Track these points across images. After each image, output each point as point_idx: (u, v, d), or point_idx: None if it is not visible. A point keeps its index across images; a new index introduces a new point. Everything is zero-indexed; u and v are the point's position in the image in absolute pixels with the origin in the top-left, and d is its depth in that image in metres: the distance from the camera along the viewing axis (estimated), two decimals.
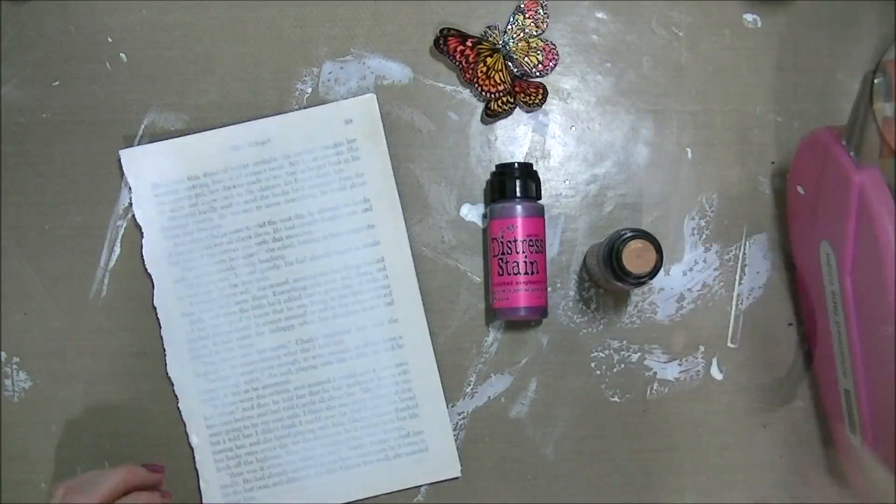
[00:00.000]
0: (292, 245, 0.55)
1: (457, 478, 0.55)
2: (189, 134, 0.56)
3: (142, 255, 0.55)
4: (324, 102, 0.56)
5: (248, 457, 0.55)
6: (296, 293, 0.55)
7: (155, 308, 0.55)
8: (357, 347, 0.55)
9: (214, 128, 0.56)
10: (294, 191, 0.55)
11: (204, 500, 0.55)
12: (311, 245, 0.55)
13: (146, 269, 0.55)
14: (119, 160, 0.56)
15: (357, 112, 0.55)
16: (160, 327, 0.55)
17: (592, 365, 0.56)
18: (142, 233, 0.55)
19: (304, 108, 0.56)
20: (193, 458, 0.55)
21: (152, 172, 0.55)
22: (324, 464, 0.55)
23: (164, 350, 0.55)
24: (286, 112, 0.56)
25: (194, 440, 0.55)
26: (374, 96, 0.56)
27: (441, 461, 0.55)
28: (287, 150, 0.55)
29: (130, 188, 0.55)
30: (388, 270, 0.55)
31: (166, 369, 0.55)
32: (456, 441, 0.56)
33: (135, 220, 0.56)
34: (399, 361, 0.55)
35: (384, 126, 0.56)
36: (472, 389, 0.56)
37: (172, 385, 0.55)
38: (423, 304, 0.55)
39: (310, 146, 0.55)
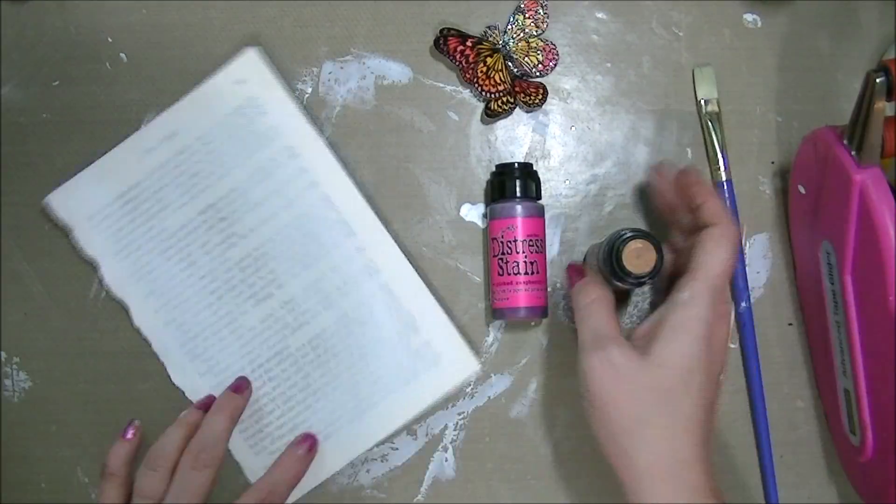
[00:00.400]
0: (239, 219, 0.55)
1: (477, 371, 0.55)
2: (100, 156, 0.55)
3: (106, 287, 0.55)
4: (324, 102, 0.57)
5: (278, 431, 0.55)
6: (261, 262, 0.55)
7: (138, 329, 0.55)
8: (337, 288, 0.55)
9: (121, 140, 0.56)
10: (219, 167, 0.55)
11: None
12: (256, 211, 0.55)
13: (115, 299, 0.55)
14: (49, 206, 0.55)
15: (245, 70, 0.55)
16: (150, 345, 0.55)
17: None
18: (96, 266, 0.55)
19: (198, 85, 0.55)
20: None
21: (82, 205, 0.55)
22: (350, 410, 0.55)
23: (163, 364, 0.55)
24: (181, 99, 0.55)
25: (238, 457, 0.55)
26: (256, 48, 0.55)
27: (457, 363, 0.55)
28: (196, 133, 0.55)
29: (70, 228, 0.55)
30: (336, 205, 0.55)
31: (171, 380, 0.55)
32: (455, 441, 0.56)
33: (84, 256, 0.55)
34: (380, 284, 0.55)
35: (385, 125, 0.56)
36: (472, 389, 0.56)
37: (183, 392, 0.55)
38: (385, 224, 0.56)
39: (215, 120, 0.55)
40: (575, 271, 0.52)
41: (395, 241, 0.55)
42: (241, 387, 0.54)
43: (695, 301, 0.44)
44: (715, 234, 0.46)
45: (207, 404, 0.54)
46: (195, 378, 0.55)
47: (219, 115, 0.55)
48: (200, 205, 0.55)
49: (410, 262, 0.55)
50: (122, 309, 0.56)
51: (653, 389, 0.43)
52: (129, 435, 0.53)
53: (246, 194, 0.55)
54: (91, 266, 0.55)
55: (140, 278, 0.55)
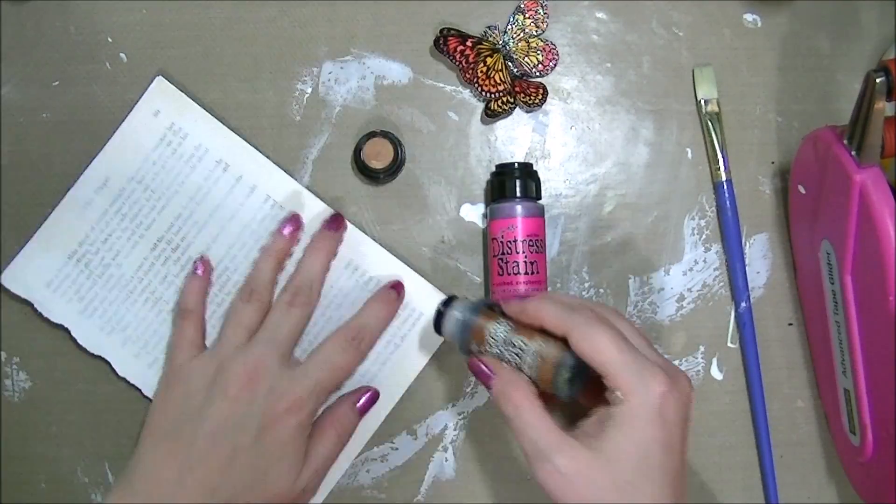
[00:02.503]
0: (190, 243, 0.55)
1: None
2: (44, 221, 0.55)
3: (83, 349, 0.55)
4: (324, 102, 0.57)
5: None
6: (224, 277, 0.55)
7: (125, 378, 0.55)
8: (342, 287, 0.55)
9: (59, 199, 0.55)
10: (158, 201, 0.55)
11: None
12: (205, 231, 0.55)
13: (93, 356, 0.55)
14: (4, 287, 0.55)
15: (157, 101, 0.56)
16: (140, 391, 0.55)
17: None
18: (67, 331, 0.55)
19: (118, 126, 0.55)
20: None
21: (37, 275, 0.55)
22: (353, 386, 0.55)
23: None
24: (103, 146, 0.55)
25: None
26: (160, 77, 0.56)
27: (420, 296, 0.55)
28: (127, 174, 0.55)
29: (32, 304, 0.55)
30: (279, 201, 0.55)
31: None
32: (455, 441, 0.56)
33: (52, 322, 0.55)
34: (346, 263, 0.55)
35: (385, 125, 0.56)
36: (471, 389, 0.56)
37: None
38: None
39: (142, 157, 0.55)
40: (479, 371, 0.45)
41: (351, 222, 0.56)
42: (337, 223, 0.54)
43: (629, 394, 0.40)
44: (579, 341, 0.41)
45: (293, 229, 0.54)
46: None
47: (144, 151, 0.55)
48: (150, 241, 0.55)
49: (366, 234, 0.56)
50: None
51: (612, 486, 0.40)
52: (200, 271, 0.54)
53: (191, 218, 0.55)
54: (63, 330, 0.55)
55: (111, 330, 0.55)
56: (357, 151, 0.55)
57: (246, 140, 0.56)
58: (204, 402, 0.49)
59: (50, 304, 0.55)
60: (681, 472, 0.42)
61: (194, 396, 0.49)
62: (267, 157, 0.56)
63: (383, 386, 0.54)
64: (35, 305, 0.55)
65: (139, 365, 0.55)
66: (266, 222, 0.55)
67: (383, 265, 0.55)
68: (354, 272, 0.55)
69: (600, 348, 0.41)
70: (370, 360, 0.55)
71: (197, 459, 0.47)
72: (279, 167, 0.56)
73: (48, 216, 0.55)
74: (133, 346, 0.55)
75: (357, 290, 0.55)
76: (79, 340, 0.55)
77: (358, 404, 0.53)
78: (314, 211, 0.55)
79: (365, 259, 0.55)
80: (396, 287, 0.54)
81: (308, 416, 0.49)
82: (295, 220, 0.54)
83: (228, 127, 0.56)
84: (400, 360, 0.55)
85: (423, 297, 0.55)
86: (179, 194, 0.55)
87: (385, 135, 0.55)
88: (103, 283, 0.55)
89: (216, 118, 0.56)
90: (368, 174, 0.55)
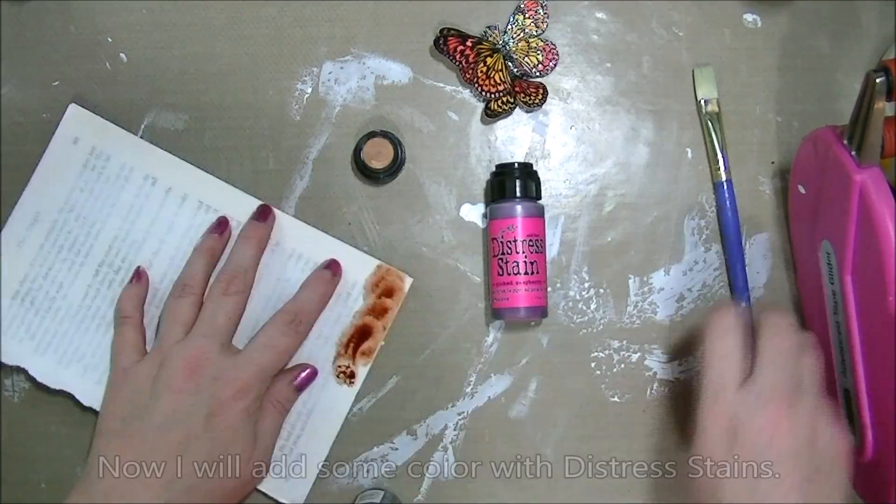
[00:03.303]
0: (132, 262, 0.55)
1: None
2: None
3: (46, 388, 0.55)
4: (324, 102, 0.56)
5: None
6: (168, 289, 0.55)
7: (91, 408, 0.55)
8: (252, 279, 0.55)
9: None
10: (93, 226, 0.55)
11: (272, 496, 0.55)
12: (145, 248, 0.55)
13: (56, 391, 0.55)
14: None
15: (74, 128, 0.55)
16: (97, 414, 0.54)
17: (592, 365, 0.56)
18: (30, 377, 0.55)
19: (38, 160, 0.55)
20: None
21: None
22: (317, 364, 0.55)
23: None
24: (27, 183, 0.55)
25: None
26: (74, 105, 0.55)
27: (355, 264, 0.56)
28: (57, 205, 0.55)
29: None
30: (213, 205, 0.56)
31: None
32: (455, 441, 0.56)
33: (11, 366, 0.55)
34: (289, 254, 0.55)
35: (385, 125, 0.56)
36: (472, 389, 0.56)
37: None
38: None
39: (69, 185, 0.55)
40: None
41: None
42: (264, 214, 0.55)
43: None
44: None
45: (222, 228, 0.54)
46: None
47: (70, 180, 0.55)
48: (92, 268, 0.55)
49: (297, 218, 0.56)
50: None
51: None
52: (137, 278, 0.54)
53: (128, 238, 0.55)
54: (20, 372, 0.55)
55: (68, 363, 0.55)
56: (357, 151, 0.55)
57: (174, 154, 0.56)
58: (150, 398, 0.49)
59: (5, 348, 0.55)
60: None
61: (140, 395, 0.50)
62: (190, 162, 0.56)
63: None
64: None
65: (102, 391, 0.54)
66: (203, 228, 0.55)
67: (326, 249, 0.55)
68: (298, 260, 0.55)
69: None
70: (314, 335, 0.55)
71: (149, 453, 0.47)
72: (203, 170, 0.56)
73: None
74: (93, 374, 0.55)
75: (304, 278, 0.55)
76: (38, 379, 0.55)
77: (295, 382, 0.54)
78: (249, 208, 0.55)
79: (308, 247, 0.55)
80: (332, 266, 0.55)
81: (254, 399, 0.50)
82: (223, 220, 0.55)
83: (167, 155, 0.56)
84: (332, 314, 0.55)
85: (358, 267, 0.55)
86: (113, 216, 0.55)
87: (385, 135, 0.55)
88: (52, 317, 0.55)
89: (137, 137, 0.56)
90: (368, 174, 0.55)
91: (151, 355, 0.52)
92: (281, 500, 0.54)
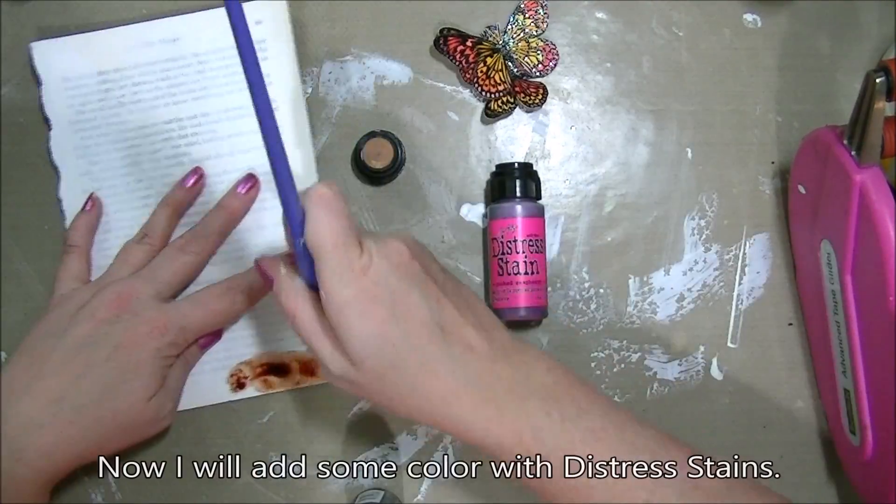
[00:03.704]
0: (198, 143, 0.55)
1: None
2: (101, 29, 0.56)
3: (48, 148, 0.55)
4: (324, 102, 0.56)
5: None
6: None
7: (60, 200, 0.55)
8: (256, 247, 0.55)
9: (126, 23, 0.56)
10: (201, 89, 0.55)
11: None
12: (216, 143, 0.55)
13: (52, 162, 0.55)
14: (30, 52, 0.55)
15: (266, 13, 0.55)
16: (64, 219, 0.55)
17: (592, 365, 0.56)
18: (49, 125, 0.55)
19: (215, 7, 0.55)
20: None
21: (63, 66, 0.55)
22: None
23: None
24: (195, 11, 0.55)
25: None
26: (285, 2, 0.55)
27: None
28: (196, 48, 0.55)
29: (40, 81, 0.55)
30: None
31: None
32: (455, 441, 0.56)
33: (43, 112, 0.55)
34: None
35: (385, 125, 0.56)
36: None
37: None
38: None
39: (219, 45, 0.55)
40: (262, 273, 0.45)
41: None
42: (248, 184, 0.54)
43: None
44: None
45: (195, 181, 0.54)
46: (93, 270, 0.54)
47: (224, 43, 0.55)
48: (169, 115, 0.55)
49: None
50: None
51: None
52: (89, 207, 0.54)
53: (215, 124, 0.55)
54: (46, 125, 0.55)
55: (83, 155, 0.55)
56: (357, 151, 0.55)
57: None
58: (70, 322, 0.49)
59: (53, 96, 0.55)
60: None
61: (64, 318, 0.50)
62: (310, 130, 0.55)
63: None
64: (41, 88, 0.55)
65: (80, 201, 0.54)
66: (264, 178, 0.55)
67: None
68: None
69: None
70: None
71: (49, 370, 0.47)
72: (312, 146, 0.55)
73: (110, 28, 0.55)
74: (88, 183, 0.55)
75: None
76: (52, 141, 0.55)
77: (200, 340, 0.53)
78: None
79: None
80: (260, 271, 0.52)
81: (168, 345, 0.49)
82: (197, 173, 0.54)
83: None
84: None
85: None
86: (221, 98, 0.55)
87: (385, 135, 0.55)
88: (105, 115, 0.55)
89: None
90: (368, 174, 0.55)
91: (89, 286, 0.52)
92: None
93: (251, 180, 0.55)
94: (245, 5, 0.54)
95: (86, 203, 0.54)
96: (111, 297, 0.49)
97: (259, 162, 0.55)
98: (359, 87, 0.57)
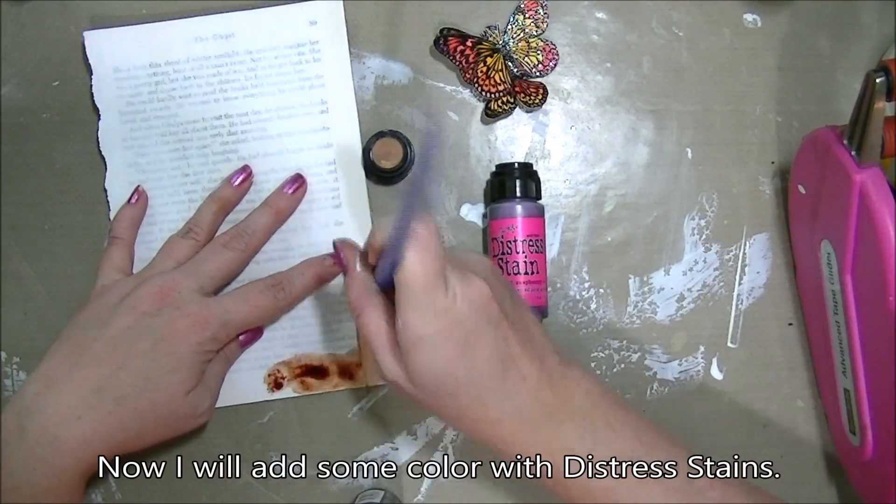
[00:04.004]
0: (246, 140, 0.55)
1: None
2: (154, 21, 0.56)
3: (97, 138, 0.55)
4: None
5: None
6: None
7: (105, 190, 0.55)
8: (300, 248, 0.55)
9: (180, 17, 0.56)
10: (253, 87, 0.55)
11: None
12: (265, 142, 0.55)
13: (100, 152, 0.55)
14: (83, 41, 0.55)
15: (322, 14, 0.56)
16: (108, 210, 0.55)
17: (592, 365, 0.56)
18: (99, 115, 0.55)
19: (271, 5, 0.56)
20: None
21: (115, 56, 0.55)
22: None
23: None
24: (253, 8, 0.56)
25: None
26: (341, 3, 0.56)
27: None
28: (250, 45, 0.55)
29: (91, 70, 0.55)
30: (338, 173, 0.55)
31: None
32: (455, 441, 0.56)
33: (93, 101, 0.55)
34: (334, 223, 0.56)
35: (385, 125, 0.56)
36: None
37: None
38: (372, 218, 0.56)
39: (273, 44, 0.55)
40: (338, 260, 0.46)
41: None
42: (296, 184, 0.55)
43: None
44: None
45: (242, 179, 0.54)
46: (136, 264, 0.55)
47: (279, 41, 0.55)
48: (219, 111, 0.55)
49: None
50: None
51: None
52: (134, 199, 0.54)
53: (265, 122, 0.55)
54: (96, 114, 0.56)
55: (130, 147, 0.55)
56: (366, 152, 0.55)
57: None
58: (111, 313, 0.49)
59: (104, 86, 0.55)
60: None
61: (107, 309, 0.50)
62: (359, 132, 0.56)
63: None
64: (92, 79, 0.55)
65: (126, 193, 0.55)
66: (313, 179, 0.55)
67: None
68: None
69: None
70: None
71: (90, 360, 0.47)
72: (361, 153, 0.55)
73: (164, 21, 0.55)
74: (135, 175, 0.55)
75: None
76: (101, 131, 0.55)
77: (241, 338, 0.54)
78: (357, 209, 0.55)
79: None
80: (334, 257, 0.52)
81: (210, 340, 0.50)
82: (245, 171, 0.55)
83: None
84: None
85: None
86: (272, 97, 0.55)
87: (394, 134, 0.55)
88: (156, 108, 0.55)
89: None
90: (379, 174, 0.55)
91: (132, 277, 0.52)
92: None
93: (298, 180, 0.55)
94: (300, 5, 0.55)
95: (132, 195, 0.54)
96: (154, 289, 0.49)
97: (307, 162, 0.55)
98: (359, 87, 0.57)
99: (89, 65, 0.56)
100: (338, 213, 0.55)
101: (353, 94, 0.56)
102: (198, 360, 0.49)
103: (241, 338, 0.54)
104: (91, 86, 0.56)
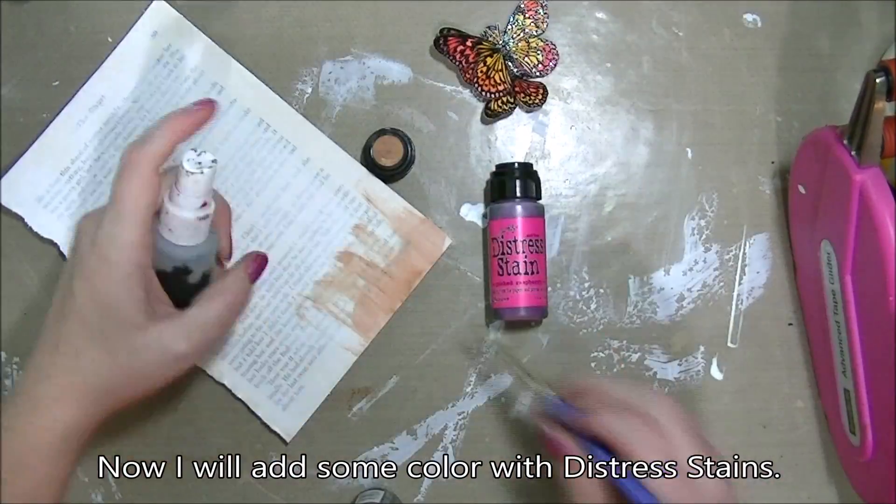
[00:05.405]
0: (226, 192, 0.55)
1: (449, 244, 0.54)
2: (39, 135, 0.55)
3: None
4: (324, 102, 0.56)
5: (272, 357, 0.55)
6: None
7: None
8: (293, 204, 0.55)
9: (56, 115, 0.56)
10: (152, 121, 0.56)
11: (266, 421, 0.55)
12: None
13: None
14: None
15: (155, 23, 0.56)
16: None
17: (592, 365, 0.56)
18: (55, 244, 0.55)
19: (114, 48, 0.56)
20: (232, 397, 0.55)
21: (29, 190, 0.55)
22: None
23: None
24: (99, 67, 0.56)
25: (225, 381, 0.55)
26: (162, 2, 0.56)
27: (428, 240, 0.56)
28: (123, 94, 0.56)
29: (23, 218, 0.55)
30: (272, 125, 0.56)
31: None
32: (455, 441, 0.56)
33: (41, 238, 0.55)
34: (336, 188, 0.56)
35: (385, 125, 0.56)
36: (472, 389, 0.56)
37: None
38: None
39: (139, 77, 0.56)
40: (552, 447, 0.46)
41: (340, 147, 0.56)
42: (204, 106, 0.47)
43: None
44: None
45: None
46: None
47: (141, 72, 0.56)
48: None
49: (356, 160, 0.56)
50: None
51: None
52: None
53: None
54: (52, 244, 0.55)
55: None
56: (367, 150, 0.55)
57: (246, 67, 0.56)
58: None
59: (40, 218, 0.55)
60: None
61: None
62: (260, 80, 0.56)
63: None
64: (25, 219, 0.55)
65: None
66: (258, 146, 0.55)
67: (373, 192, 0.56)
68: (345, 197, 0.55)
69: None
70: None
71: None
72: (278, 95, 0.56)
73: (41, 133, 0.55)
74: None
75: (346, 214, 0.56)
76: (67, 256, 0.55)
77: (249, 271, 0.49)
78: (310, 137, 0.55)
79: (350, 183, 0.56)
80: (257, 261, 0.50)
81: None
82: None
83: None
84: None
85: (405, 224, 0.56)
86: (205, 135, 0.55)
87: (395, 132, 0.55)
88: (93, 201, 0.55)
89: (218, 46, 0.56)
90: (379, 172, 0.55)
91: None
92: (274, 428, 0.55)
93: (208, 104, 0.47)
94: (133, 30, 0.55)
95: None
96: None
97: (242, 138, 0.55)
98: (359, 87, 0.57)
99: (16, 214, 0.55)
100: (298, 155, 0.55)
101: (228, 56, 0.55)
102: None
103: (249, 272, 0.49)
104: (32, 228, 0.55)
